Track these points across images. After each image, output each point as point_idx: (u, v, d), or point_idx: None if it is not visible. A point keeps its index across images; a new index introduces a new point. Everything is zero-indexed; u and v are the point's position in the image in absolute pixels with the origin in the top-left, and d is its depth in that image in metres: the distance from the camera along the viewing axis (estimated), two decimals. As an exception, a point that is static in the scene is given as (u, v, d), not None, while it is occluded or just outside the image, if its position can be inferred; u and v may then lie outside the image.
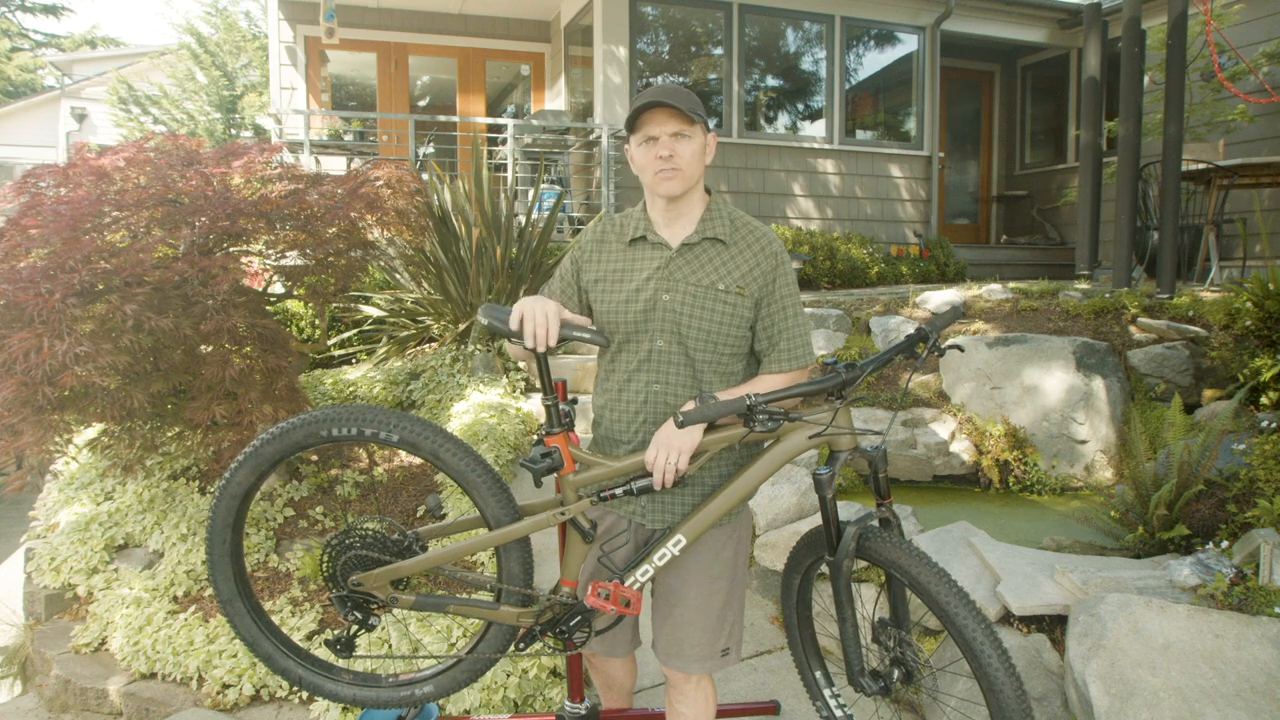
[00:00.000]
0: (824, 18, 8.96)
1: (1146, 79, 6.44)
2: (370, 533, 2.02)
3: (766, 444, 1.95)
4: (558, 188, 7.90)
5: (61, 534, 3.92)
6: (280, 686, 3.00)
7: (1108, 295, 5.02)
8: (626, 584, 1.94)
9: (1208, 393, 4.27)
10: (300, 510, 3.97)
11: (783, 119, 9.39)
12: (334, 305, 5.43)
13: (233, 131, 15.01)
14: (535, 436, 1.97)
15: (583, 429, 4.93)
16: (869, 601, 2.89)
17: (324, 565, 2.02)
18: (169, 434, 3.71)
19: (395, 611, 2.95)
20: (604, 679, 2.35)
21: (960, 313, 2.13)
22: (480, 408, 4.58)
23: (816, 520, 3.38)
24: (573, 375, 5.46)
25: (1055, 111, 10.69)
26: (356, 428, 1.91)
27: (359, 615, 2.03)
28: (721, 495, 1.93)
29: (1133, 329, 4.69)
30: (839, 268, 7.85)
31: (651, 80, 8.76)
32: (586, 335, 1.95)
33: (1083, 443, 4.21)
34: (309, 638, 3.18)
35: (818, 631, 2.32)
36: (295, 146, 7.75)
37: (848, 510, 3.05)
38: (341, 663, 2.23)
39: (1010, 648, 2.53)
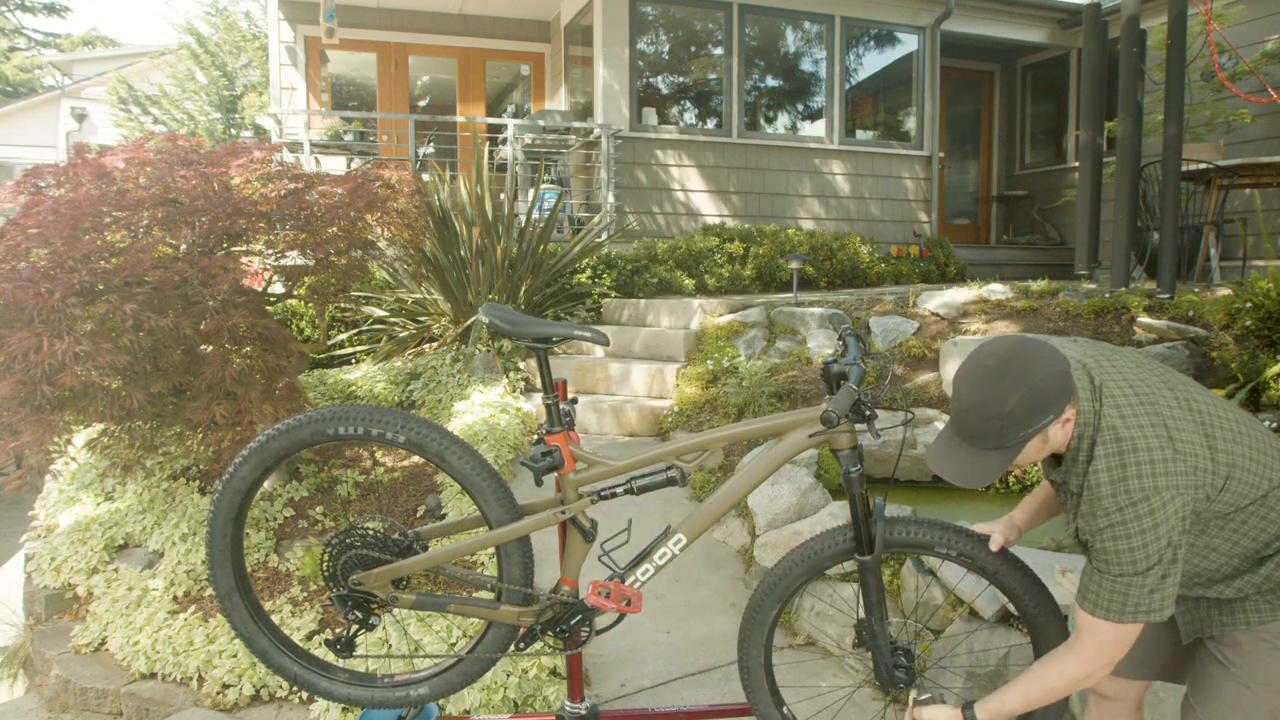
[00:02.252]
0: (824, 18, 8.96)
1: (1146, 79, 6.44)
2: (371, 532, 2.02)
3: (767, 442, 1.95)
4: (558, 188, 7.90)
5: (61, 534, 3.92)
6: (280, 686, 3.00)
7: (1108, 295, 5.02)
8: (627, 583, 1.94)
9: (1208, 393, 4.27)
10: (300, 510, 3.97)
11: (783, 119, 9.39)
12: (334, 305, 5.43)
13: (233, 131, 14.99)
14: (536, 435, 1.97)
15: (582, 428, 4.94)
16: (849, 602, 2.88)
17: (324, 564, 2.02)
18: (169, 434, 3.71)
19: (395, 611, 2.96)
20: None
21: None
22: (480, 407, 4.58)
23: (817, 521, 3.38)
24: (573, 375, 5.46)
25: (1055, 111, 10.69)
26: (363, 427, 1.91)
27: (359, 615, 2.03)
28: (721, 492, 1.93)
29: (1133, 329, 4.69)
30: (839, 267, 7.85)
31: (651, 80, 8.76)
32: (587, 335, 1.96)
33: (1083, 443, 4.20)
34: (309, 637, 3.18)
35: (812, 633, 2.32)
36: (295, 146, 7.75)
37: (841, 511, 3.04)
38: (340, 662, 2.22)
39: (1010, 648, 2.53)
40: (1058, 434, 1.53)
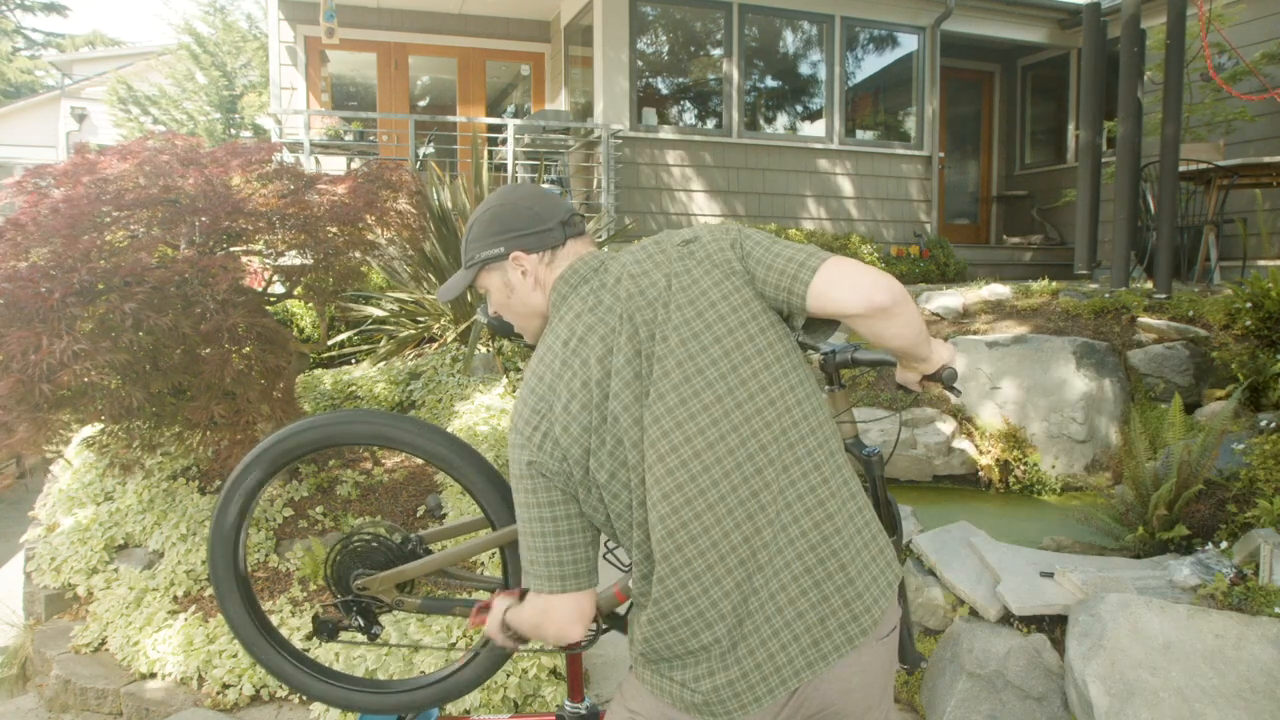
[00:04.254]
0: (824, 18, 8.96)
1: (1146, 79, 6.44)
2: (373, 537, 2.02)
3: None
4: (558, 188, 7.89)
5: (61, 534, 3.92)
6: (280, 686, 3.00)
7: (1108, 295, 5.02)
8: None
9: (1208, 393, 4.27)
10: (300, 510, 3.97)
11: (783, 119, 9.39)
12: (334, 305, 5.43)
13: (233, 131, 15.00)
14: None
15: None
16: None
17: (328, 570, 2.01)
18: (168, 433, 3.71)
19: (395, 613, 2.96)
20: None
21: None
22: (481, 408, 4.58)
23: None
24: (573, 375, 5.45)
25: (1055, 111, 10.69)
26: (369, 431, 1.91)
27: (364, 620, 2.03)
28: None
29: (1134, 328, 4.69)
30: (839, 268, 7.84)
31: (651, 80, 8.76)
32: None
33: (1083, 442, 4.21)
34: (309, 637, 3.18)
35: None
36: (295, 146, 7.75)
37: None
38: (340, 667, 2.22)
39: (1011, 648, 2.53)
40: (520, 284, 1.47)
